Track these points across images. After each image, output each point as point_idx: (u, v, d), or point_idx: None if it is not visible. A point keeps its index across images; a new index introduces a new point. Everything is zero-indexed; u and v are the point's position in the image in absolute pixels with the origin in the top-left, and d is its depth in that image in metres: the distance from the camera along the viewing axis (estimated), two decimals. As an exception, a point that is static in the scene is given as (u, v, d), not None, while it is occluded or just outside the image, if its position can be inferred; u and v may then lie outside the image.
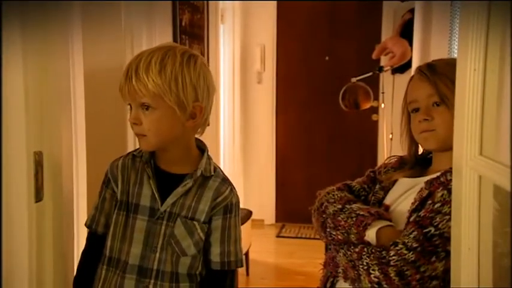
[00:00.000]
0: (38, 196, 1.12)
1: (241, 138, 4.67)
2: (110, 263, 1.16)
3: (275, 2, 4.67)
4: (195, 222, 1.13)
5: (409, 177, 1.28)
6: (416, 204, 1.17)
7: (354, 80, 3.40)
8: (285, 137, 4.80)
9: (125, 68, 1.12)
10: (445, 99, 1.21)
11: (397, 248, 1.10)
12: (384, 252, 1.11)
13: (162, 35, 2.85)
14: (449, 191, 1.05)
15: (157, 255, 1.12)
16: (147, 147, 1.14)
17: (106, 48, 2.63)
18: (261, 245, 4.25)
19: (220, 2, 4.00)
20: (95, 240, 1.20)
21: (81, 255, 1.23)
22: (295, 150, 4.76)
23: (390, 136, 3.81)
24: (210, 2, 3.63)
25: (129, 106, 1.14)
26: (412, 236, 1.10)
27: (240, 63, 4.53)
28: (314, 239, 4.16)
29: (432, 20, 2.76)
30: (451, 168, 1.08)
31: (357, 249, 1.15)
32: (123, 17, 2.62)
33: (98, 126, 2.61)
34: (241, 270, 3.46)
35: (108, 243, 1.16)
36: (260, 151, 4.89)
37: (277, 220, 4.91)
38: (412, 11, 3.57)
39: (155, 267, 1.12)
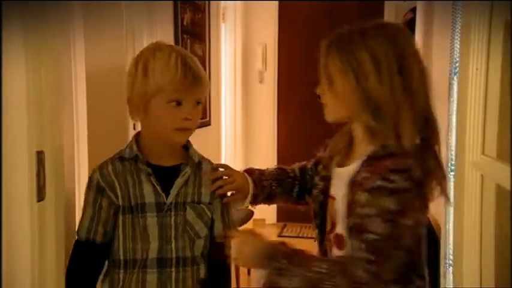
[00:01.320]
0: (40, 195, 1.12)
1: (243, 137, 4.67)
2: (126, 265, 1.18)
3: (276, 1, 4.67)
4: (202, 205, 1.22)
5: (339, 166, 1.19)
6: (347, 209, 1.07)
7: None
8: (286, 137, 4.79)
9: (176, 65, 1.15)
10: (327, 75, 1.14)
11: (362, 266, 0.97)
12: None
13: (164, 35, 2.85)
14: (370, 192, 0.98)
15: (173, 244, 1.17)
16: (184, 140, 1.23)
17: (108, 48, 2.63)
18: (262, 244, 4.23)
19: (222, 1, 4.00)
20: (93, 251, 1.19)
21: (73, 269, 1.19)
22: (297, 149, 4.75)
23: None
24: (211, 1, 3.63)
25: (169, 104, 1.16)
26: (356, 247, 1.00)
27: (241, 63, 4.53)
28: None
29: (434, 19, 2.75)
30: (367, 155, 1.03)
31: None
32: (124, 17, 2.62)
33: (100, 125, 2.61)
34: (243, 270, 3.46)
35: (120, 247, 1.17)
36: (261, 150, 4.88)
37: (278, 220, 4.91)
38: (413, 10, 3.56)
39: (174, 255, 1.18)
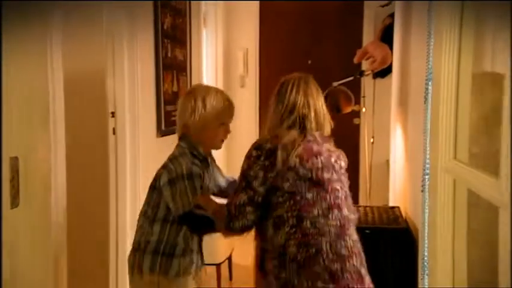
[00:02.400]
0: (14, 202, 1.11)
1: (224, 142, 4.65)
2: None
3: (257, 6, 4.69)
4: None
5: None
6: None
7: (335, 84, 3.43)
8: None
9: (223, 101, 1.85)
10: None
11: None
12: None
13: (144, 39, 2.83)
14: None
15: None
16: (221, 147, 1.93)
17: (87, 52, 2.61)
18: (244, 248, 4.23)
19: (203, 5, 4.00)
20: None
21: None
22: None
23: (372, 140, 3.85)
24: (192, 5, 3.63)
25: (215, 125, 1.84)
26: None
27: (223, 67, 4.53)
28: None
29: (412, 24, 2.80)
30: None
31: None
32: (104, 20, 2.61)
33: (78, 130, 2.59)
34: (224, 275, 3.45)
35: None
36: (243, 155, 4.87)
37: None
38: (392, 15, 3.62)
39: None
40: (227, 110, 1.84)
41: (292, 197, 1.54)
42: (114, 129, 2.67)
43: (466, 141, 1.15)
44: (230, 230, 1.61)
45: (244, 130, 4.84)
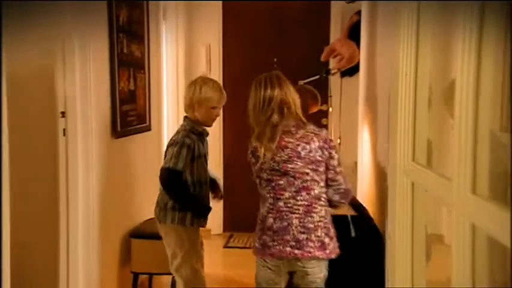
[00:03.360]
0: None
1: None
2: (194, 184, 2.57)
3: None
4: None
5: None
6: None
7: (301, 83, 3.48)
8: (232, 142, 4.82)
9: (216, 90, 2.60)
10: None
11: None
12: None
13: (97, 34, 2.80)
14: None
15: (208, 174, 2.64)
16: (212, 124, 2.65)
17: (34, 48, 2.56)
18: (207, 256, 4.21)
19: (162, -1, 3.97)
20: (179, 175, 2.48)
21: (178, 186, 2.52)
22: (243, 155, 4.77)
23: (338, 141, 3.92)
24: (150, -2, 3.60)
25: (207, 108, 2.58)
26: None
27: (184, 64, 4.51)
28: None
29: (378, 22, 2.87)
30: None
31: None
32: (53, 13, 2.55)
33: (27, 130, 2.53)
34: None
35: (188, 177, 2.52)
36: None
37: (224, 229, 4.91)
38: (359, 13, 3.70)
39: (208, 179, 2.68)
40: (218, 97, 2.57)
41: (269, 183, 2.05)
42: (64, 131, 2.63)
43: (424, 143, 1.19)
44: None
45: (208, 130, 4.84)
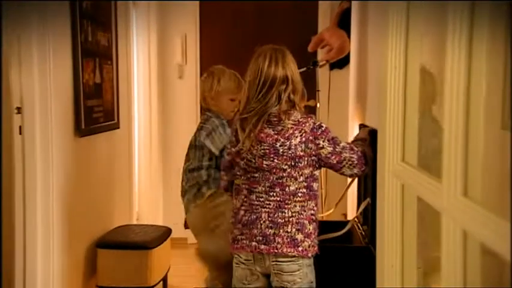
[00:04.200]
0: None
1: (160, 142, 4.63)
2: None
3: (198, -16, 4.68)
4: None
5: None
6: None
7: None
8: (211, 141, 4.80)
9: (234, 82, 2.76)
10: None
11: None
12: None
13: (57, 20, 2.76)
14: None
15: None
16: (232, 116, 2.73)
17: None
18: (183, 268, 4.22)
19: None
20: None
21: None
22: (223, 156, 4.77)
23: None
24: (118, -18, 3.58)
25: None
26: None
27: (157, 55, 4.49)
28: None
29: (369, 9, 2.88)
30: None
31: None
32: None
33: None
34: None
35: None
36: (182, 157, 4.84)
37: (203, 238, 4.90)
38: (349, -1, 3.71)
39: None
40: (236, 89, 2.72)
41: (245, 173, 2.09)
42: (20, 128, 2.59)
43: (415, 142, 1.19)
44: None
45: (183, 126, 4.83)
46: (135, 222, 4.05)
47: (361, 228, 2.53)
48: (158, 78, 4.56)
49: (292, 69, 2.10)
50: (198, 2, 4.71)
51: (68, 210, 2.86)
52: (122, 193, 3.78)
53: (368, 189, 2.43)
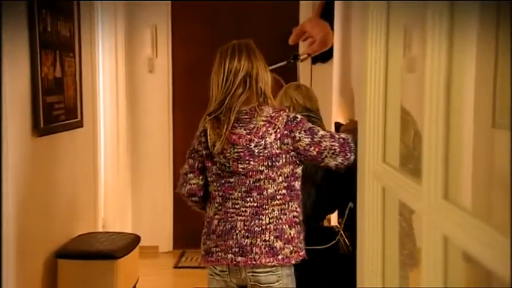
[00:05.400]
0: None
1: (128, 142, 4.60)
2: None
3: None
4: None
5: None
6: None
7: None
8: (185, 140, 4.75)
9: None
10: None
11: None
12: None
13: (12, 7, 2.73)
14: None
15: None
16: None
17: None
18: (153, 279, 4.21)
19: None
20: None
21: None
22: (197, 157, 4.77)
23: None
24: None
25: None
26: None
27: (124, 48, 4.47)
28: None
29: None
30: None
31: None
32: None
33: None
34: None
35: None
36: (153, 158, 4.84)
37: (175, 247, 4.90)
38: (332, -12, 3.74)
39: None
40: None
41: (218, 179, 2.07)
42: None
43: (397, 141, 1.21)
44: (181, 195, 2.21)
45: (154, 125, 4.81)
46: (100, 230, 4.02)
47: (343, 234, 2.56)
48: (126, 73, 4.53)
49: (258, 60, 2.10)
50: (169, -11, 4.70)
51: (24, 217, 2.83)
52: (86, 198, 3.75)
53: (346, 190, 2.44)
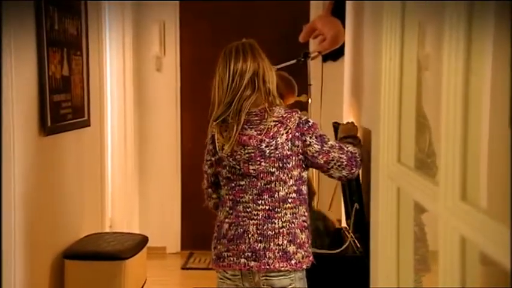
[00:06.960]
0: None
1: (135, 142, 4.62)
2: None
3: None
4: None
5: None
6: None
7: (274, 68, 3.48)
8: (193, 140, 4.81)
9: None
10: None
11: None
12: None
13: (20, 5, 2.75)
14: None
15: None
16: None
17: None
18: (161, 280, 4.22)
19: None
20: None
21: None
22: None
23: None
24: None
25: None
26: None
27: (132, 46, 4.48)
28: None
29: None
30: None
31: None
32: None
33: None
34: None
35: None
36: (160, 159, 4.85)
37: (183, 247, 4.91)
38: (344, -16, 3.73)
39: None
40: None
41: (229, 183, 2.08)
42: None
43: (412, 141, 1.21)
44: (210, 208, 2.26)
45: (162, 124, 4.82)
46: (107, 230, 4.04)
47: (353, 236, 2.55)
48: (134, 71, 4.55)
49: (263, 60, 2.12)
50: (177, -14, 4.70)
51: (32, 218, 2.85)
52: (93, 198, 3.76)
53: (353, 191, 2.44)
